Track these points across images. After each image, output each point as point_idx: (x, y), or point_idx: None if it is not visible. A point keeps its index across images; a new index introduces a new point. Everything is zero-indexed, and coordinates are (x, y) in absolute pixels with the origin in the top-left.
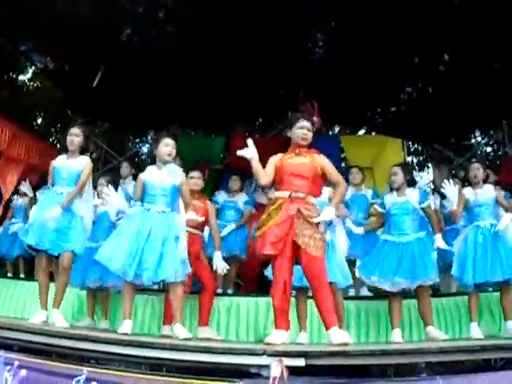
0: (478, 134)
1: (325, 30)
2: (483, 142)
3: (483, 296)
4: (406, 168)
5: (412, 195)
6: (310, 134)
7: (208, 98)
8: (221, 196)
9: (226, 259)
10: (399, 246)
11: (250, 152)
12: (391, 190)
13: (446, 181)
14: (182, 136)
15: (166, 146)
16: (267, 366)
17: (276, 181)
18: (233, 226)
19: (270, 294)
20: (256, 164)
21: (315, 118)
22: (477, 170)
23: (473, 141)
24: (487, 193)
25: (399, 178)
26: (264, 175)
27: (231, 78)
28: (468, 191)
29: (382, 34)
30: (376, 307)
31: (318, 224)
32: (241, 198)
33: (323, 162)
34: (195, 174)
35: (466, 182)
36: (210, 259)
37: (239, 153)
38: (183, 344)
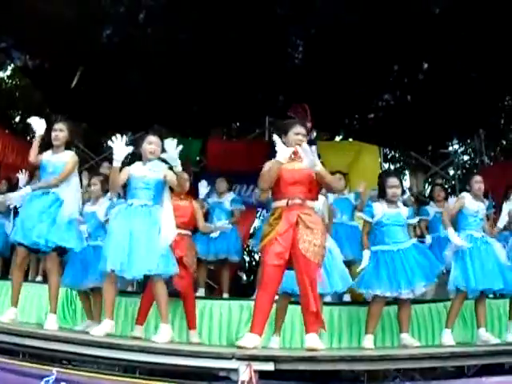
0: (455, 142)
1: (304, 36)
2: (460, 150)
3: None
4: (400, 177)
5: (403, 209)
6: (305, 140)
7: (185, 101)
8: (210, 198)
9: (212, 263)
10: (399, 253)
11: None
12: (379, 198)
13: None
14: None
15: (150, 144)
16: (236, 370)
17: (273, 188)
18: (225, 221)
19: (255, 297)
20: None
21: (309, 124)
22: (481, 182)
23: (450, 149)
24: (476, 203)
25: (400, 190)
26: (269, 181)
27: (209, 81)
28: (468, 199)
29: (362, 41)
30: (349, 313)
31: (318, 230)
32: (227, 198)
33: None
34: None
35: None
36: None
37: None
38: (151, 346)
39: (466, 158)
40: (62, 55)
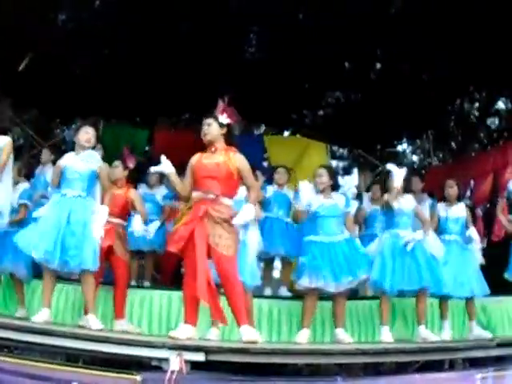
0: (405, 142)
1: (257, 31)
2: (409, 150)
3: (397, 301)
4: (332, 170)
5: (339, 199)
6: (211, 128)
7: (135, 90)
8: (141, 188)
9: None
10: (330, 245)
11: (166, 168)
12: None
13: None
14: (106, 126)
15: (87, 134)
16: (167, 360)
17: (193, 182)
18: (157, 223)
19: (183, 287)
20: (174, 178)
21: (218, 112)
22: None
23: (399, 148)
24: (410, 202)
25: (324, 179)
26: (183, 190)
27: (160, 71)
28: (391, 197)
29: (314, 37)
30: (289, 307)
31: (229, 223)
32: (160, 192)
33: (240, 162)
34: (117, 163)
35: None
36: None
37: (154, 169)
38: (83, 333)
39: (415, 158)
40: (13, 39)
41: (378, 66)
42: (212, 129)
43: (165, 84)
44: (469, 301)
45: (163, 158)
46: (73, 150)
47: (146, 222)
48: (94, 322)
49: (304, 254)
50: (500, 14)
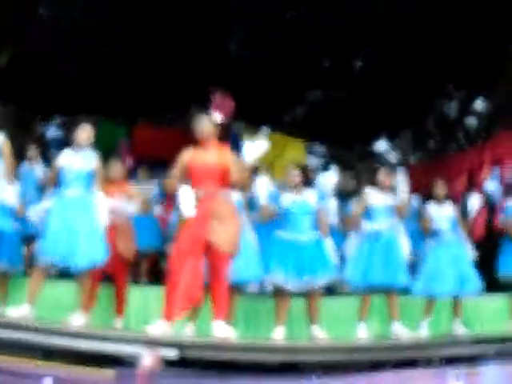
0: (383, 140)
1: (240, 29)
2: (388, 148)
3: (374, 298)
4: (305, 167)
5: (310, 196)
6: (205, 126)
7: (117, 86)
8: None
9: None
10: (297, 243)
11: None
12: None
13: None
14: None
15: (86, 132)
16: (141, 355)
17: (187, 179)
18: None
19: (166, 284)
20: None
21: (213, 109)
22: (384, 175)
23: (377, 146)
24: (389, 197)
25: (296, 176)
26: (172, 184)
27: (142, 68)
28: (371, 192)
29: (294, 34)
30: (264, 304)
31: (229, 219)
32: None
33: (231, 158)
34: (118, 162)
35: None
36: None
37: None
38: (58, 328)
39: (393, 157)
40: None
41: (359, 64)
42: (207, 126)
43: (146, 82)
44: (457, 298)
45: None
46: (56, 146)
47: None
48: (78, 319)
49: (270, 250)
50: (478, 15)
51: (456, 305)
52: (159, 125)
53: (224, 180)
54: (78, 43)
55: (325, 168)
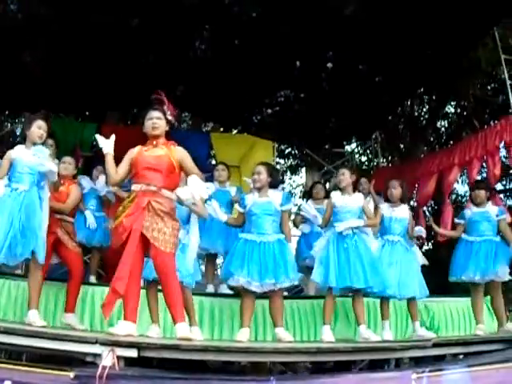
0: (354, 142)
1: (210, 29)
2: (357, 151)
3: (339, 300)
4: (270, 168)
5: (275, 197)
6: (161, 122)
7: (84, 83)
8: (86, 182)
9: (87, 249)
10: (260, 245)
11: (106, 146)
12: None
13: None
14: (55, 119)
15: (39, 129)
16: (100, 355)
17: (133, 174)
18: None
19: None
20: (110, 160)
21: (165, 106)
22: (341, 175)
23: (348, 148)
24: (355, 200)
25: (262, 177)
26: (114, 174)
27: (110, 66)
28: (336, 196)
29: (264, 35)
30: (230, 305)
31: (170, 217)
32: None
33: (181, 154)
34: (67, 159)
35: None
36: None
37: (99, 140)
38: (15, 328)
39: (363, 158)
40: None
41: (330, 65)
42: (162, 123)
43: (115, 78)
44: (411, 302)
45: (100, 137)
46: (22, 142)
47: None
48: (36, 318)
49: (233, 252)
50: (447, 19)
51: (410, 308)
52: (125, 122)
53: (170, 178)
54: (45, 39)
55: (294, 169)
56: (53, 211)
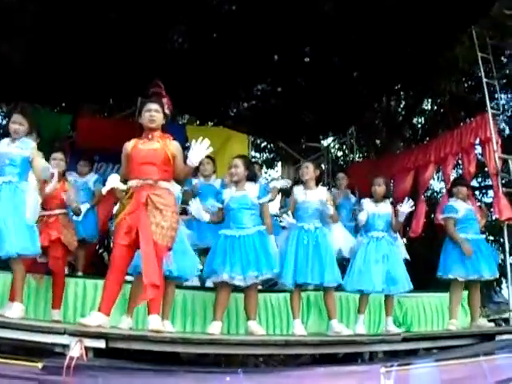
0: (330, 137)
1: (186, 21)
2: (333, 146)
3: (312, 295)
4: (247, 161)
5: (251, 190)
6: (159, 115)
7: (60, 74)
8: (72, 176)
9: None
10: (240, 239)
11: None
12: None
13: None
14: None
15: (13, 123)
16: (69, 346)
17: (129, 169)
18: (87, 205)
19: (106, 277)
20: (117, 189)
21: (164, 100)
22: (305, 168)
23: (324, 143)
24: (318, 195)
25: (240, 170)
26: (123, 176)
27: (86, 56)
28: (298, 190)
29: (242, 28)
30: (203, 298)
31: (168, 211)
32: (91, 178)
33: (176, 149)
34: (58, 155)
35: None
36: None
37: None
38: None
39: (339, 153)
40: None
41: (306, 60)
42: (159, 116)
43: (91, 70)
44: (388, 297)
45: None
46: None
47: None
48: (16, 311)
49: (215, 249)
50: (427, 18)
51: (387, 303)
52: (101, 113)
53: (166, 170)
54: (20, 30)
55: (269, 163)
56: (53, 206)
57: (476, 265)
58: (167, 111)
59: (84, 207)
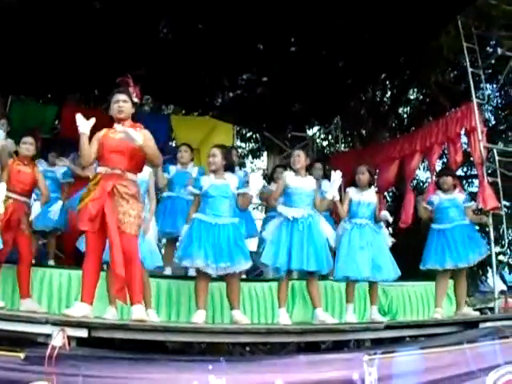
0: (315, 126)
1: (171, 12)
2: (319, 135)
3: (297, 284)
4: (226, 150)
5: (232, 180)
6: (127, 105)
7: (45, 65)
8: (40, 164)
9: (43, 233)
10: (215, 227)
11: (83, 126)
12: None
13: None
14: (15, 101)
15: None
16: (51, 336)
17: (98, 156)
18: (60, 203)
19: (82, 267)
20: (85, 141)
21: (131, 89)
22: (297, 156)
23: (309, 133)
24: (308, 182)
25: (217, 159)
26: (88, 156)
27: (73, 47)
28: (290, 176)
29: (226, 17)
30: (188, 287)
31: (135, 200)
32: (60, 170)
33: (146, 137)
34: (28, 139)
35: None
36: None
37: (78, 120)
38: None
39: (325, 143)
40: None
41: (292, 49)
42: (128, 106)
43: (76, 61)
44: (373, 285)
45: (80, 117)
46: None
47: (49, 202)
48: None
49: (190, 233)
50: (413, 8)
51: (372, 292)
52: (86, 104)
53: (134, 160)
54: (5, 21)
55: (255, 153)
56: (17, 191)
57: (464, 253)
58: (136, 99)
59: (57, 206)
